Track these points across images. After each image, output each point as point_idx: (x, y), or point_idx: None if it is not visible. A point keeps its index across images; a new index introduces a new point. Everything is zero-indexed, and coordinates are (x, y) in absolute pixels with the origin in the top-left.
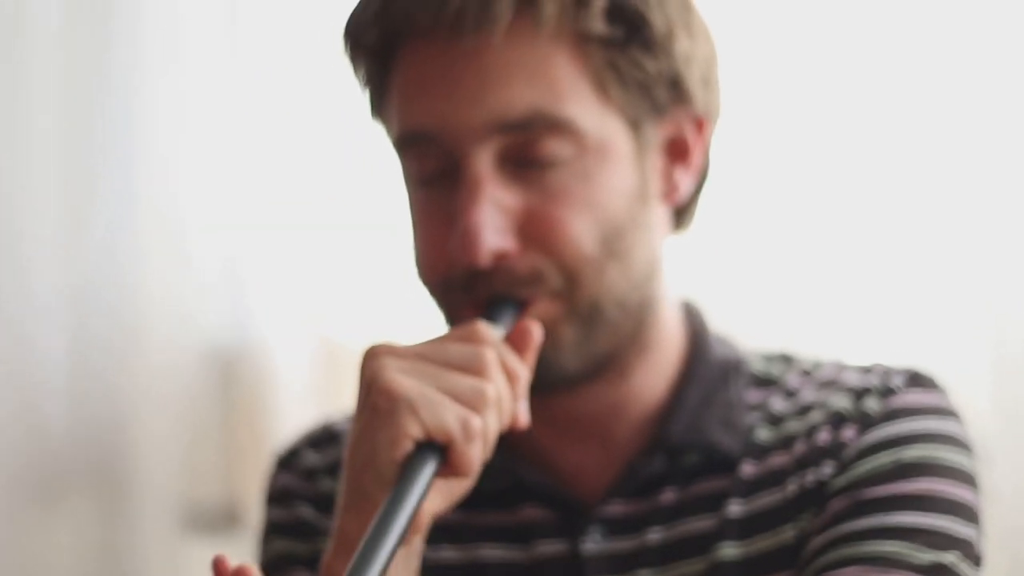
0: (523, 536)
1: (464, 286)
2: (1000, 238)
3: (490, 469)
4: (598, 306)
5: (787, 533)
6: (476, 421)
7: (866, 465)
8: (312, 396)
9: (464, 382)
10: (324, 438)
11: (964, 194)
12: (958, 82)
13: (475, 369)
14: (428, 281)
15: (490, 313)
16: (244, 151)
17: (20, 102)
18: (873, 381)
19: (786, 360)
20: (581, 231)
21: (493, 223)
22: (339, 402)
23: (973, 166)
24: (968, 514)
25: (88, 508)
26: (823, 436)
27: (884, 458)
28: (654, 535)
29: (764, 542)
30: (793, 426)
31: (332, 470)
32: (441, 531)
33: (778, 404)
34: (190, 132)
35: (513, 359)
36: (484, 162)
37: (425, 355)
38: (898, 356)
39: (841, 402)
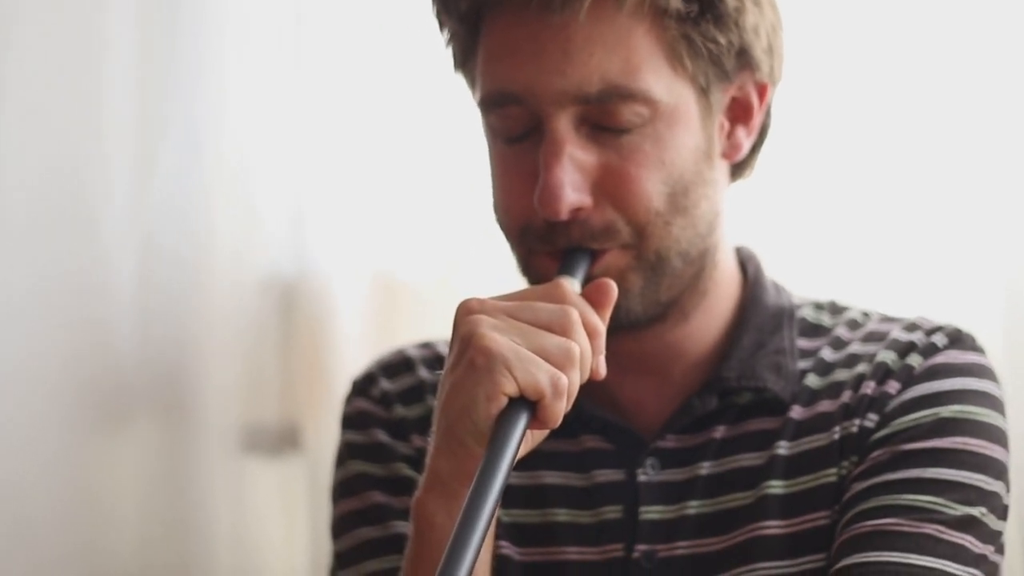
0: (583, 464)
1: (542, 236)
2: (1014, 181)
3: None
4: (664, 257)
5: (829, 475)
6: (564, 379)
7: (906, 419)
8: (368, 326)
9: (553, 341)
10: (398, 366)
11: (979, 137)
12: (982, 39)
13: (562, 328)
14: (507, 227)
15: (565, 262)
16: (305, 92)
17: (92, 50)
18: (917, 338)
19: (836, 310)
20: (651, 189)
21: (572, 181)
22: (394, 331)
23: (984, 110)
24: (998, 470)
25: (152, 429)
26: (868, 388)
27: (923, 414)
28: (704, 468)
29: (807, 481)
30: (841, 375)
31: (405, 397)
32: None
33: (828, 354)
34: (253, 77)
35: (593, 316)
36: (565, 125)
37: (516, 314)
38: (911, 300)
39: (887, 356)
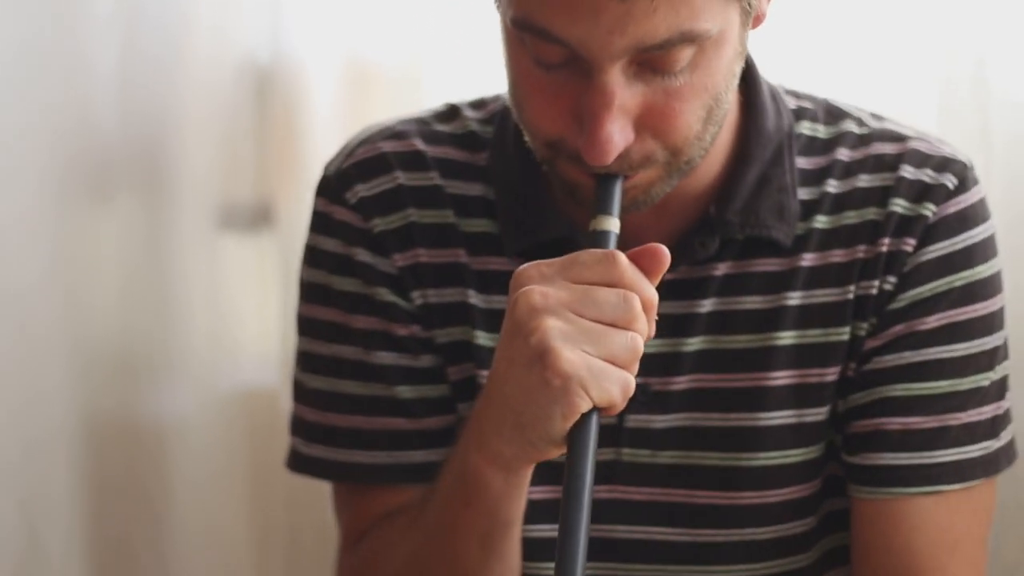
0: None
1: (574, 156)
2: None
3: (548, 222)
4: (691, 162)
5: (841, 333)
6: (632, 383)
7: (923, 289)
8: (341, 110)
9: (620, 341)
10: (373, 166)
11: None
12: None
13: (626, 321)
14: (532, 134)
15: (602, 195)
16: None
17: None
18: (928, 178)
19: (831, 117)
20: (693, 117)
21: (620, 128)
22: (366, 117)
23: None
24: (1001, 319)
25: (132, 205)
26: (884, 244)
27: (938, 284)
28: (707, 305)
29: (818, 336)
30: (851, 217)
31: (382, 204)
32: (502, 278)
33: (834, 185)
34: None
35: (649, 290)
36: (618, 74)
37: (581, 310)
38: (848, 95)
39: (899, 205)
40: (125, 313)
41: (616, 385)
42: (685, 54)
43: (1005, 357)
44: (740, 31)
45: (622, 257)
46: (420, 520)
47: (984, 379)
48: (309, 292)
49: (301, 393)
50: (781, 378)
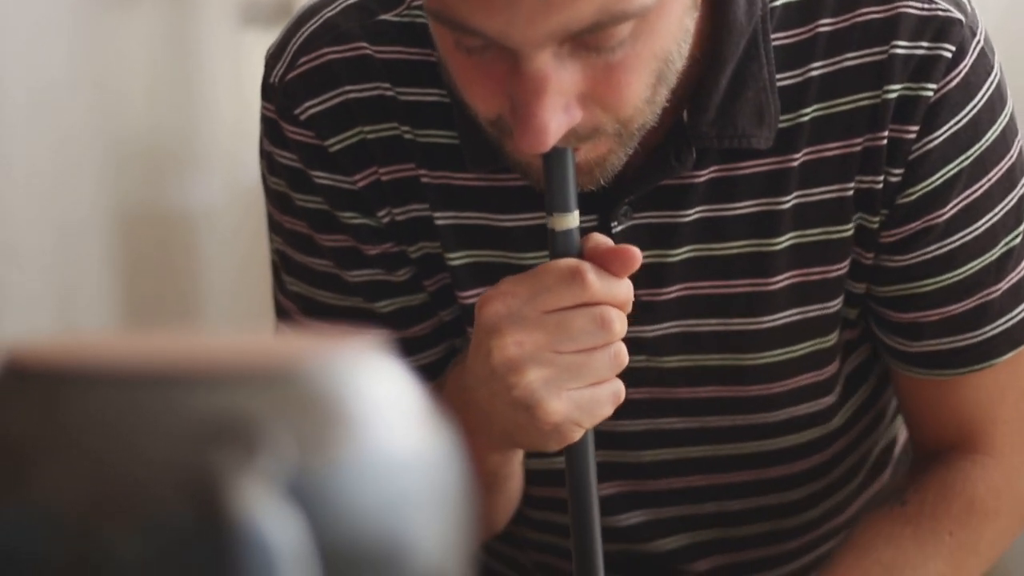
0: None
1: None
2: None
3: (516, 171)
4: (646, 126)
5: (842, 230)
6: (622, 388)
7: (934, 179)
8: None
9: (602, 362)
10: (320, 80)
11: None
12: None
13: (606, 339)
14: (475, 115)
15: (553, 191)
16: None
17: None
18: (923, 52)
19: None
20: (641, 86)
21: (557, 112)
22: None
23: None
24: (1020, 166)
25: (160, 5)
26: (883, 134)
27: (950, 168)
28: (692, 214)
29: (816, 235)
30: (842, 104)
31: (334, 121)
32: (465, 194)
33: (819, 68)
34: None
35: (621, 291)
36: (548, 58)
37: (559, 347)
38: None
39: (895, 90)
40: (152, 107)
41: (607, 404)
42: (622, 29)
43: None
44: None
45: (588, 274)
46: None
47: (1014, 237)
48: (273, 197)
49: (280, 287)
50: (780, 281)
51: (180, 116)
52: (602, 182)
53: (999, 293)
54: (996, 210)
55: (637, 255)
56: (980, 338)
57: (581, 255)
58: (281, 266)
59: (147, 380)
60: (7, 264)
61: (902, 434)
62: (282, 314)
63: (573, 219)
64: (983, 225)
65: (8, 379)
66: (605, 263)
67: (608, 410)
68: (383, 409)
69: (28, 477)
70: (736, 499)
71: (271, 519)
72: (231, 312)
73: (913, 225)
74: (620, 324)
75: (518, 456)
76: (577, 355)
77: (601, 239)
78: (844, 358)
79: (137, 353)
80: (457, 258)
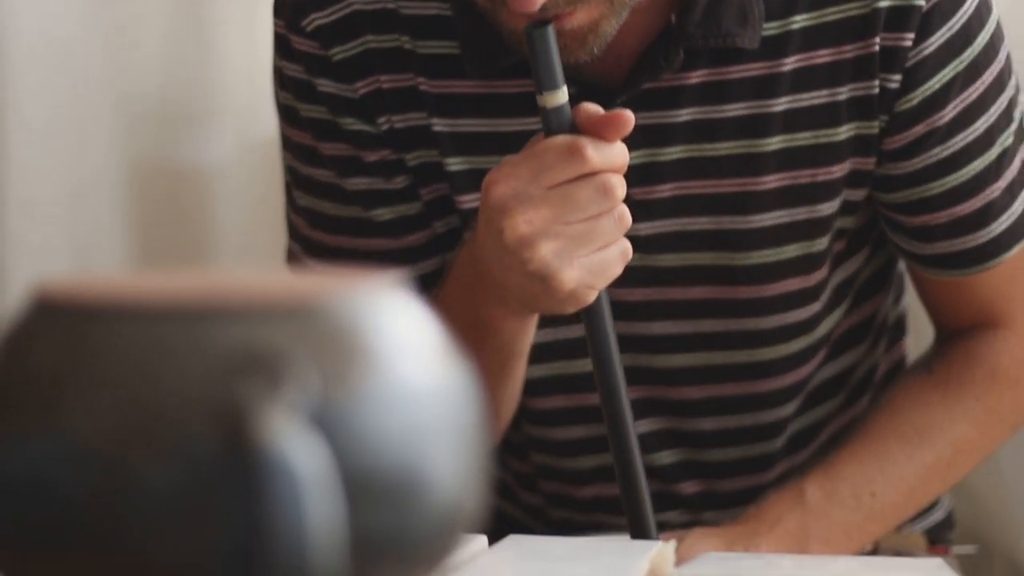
0: None
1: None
2: None
3: (511, 43)
4: None
5: (836, 133)
6: (629, 246)
7: (932, 82)
8: None
9: (608, 226)
10: None
11: None
12: None
13: (610, 206)
14: None
15: (540, 70)
16: None
17: None
18: None
19: None
20: None
21: None
22: None
23: None
24: (1009, 68)
25: None
26: (876, 40)
27: (946, 72)
28: (684, 115)
29: (808, 138)
30: (832, 13)
31: (340, 32)
32: (464, 101)
33: None
34: None
35: (618, 156)
36: None
37: (568, 217)
38: None
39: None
40: (166, 61)
41: (617, 263)
42: None
43: (1018, 100)
44: None
45: (586, 147)
46: None
47: (1007, 137)
48: (282, 112)
49: (291, 202)
50: (771, 181)
51: (193, 69)
52: (595, 51)
53: (999, 192)
54: (991, 111)
55: (629, 117)
56: (987, 237)
57: (574, 128)
58: (292, 183)
59: (175, 315)
60: (22, 218)
61: (883, 363)
62: (293, 233)
63: (563, 95)
64: (980, 126)
65: (38, 315)
66: (599, 131)
67: (618, 269)
68: (402, 344)
69: (59, 409)
70: (727, 415)
71: (296, 447)
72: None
73: (916, 129)
74: (620, 188)
75: (531, 327)
76: (584, 223)
77: (591, 108)
78: (832, 269)
79: (164, 290)
80: (456, 164)
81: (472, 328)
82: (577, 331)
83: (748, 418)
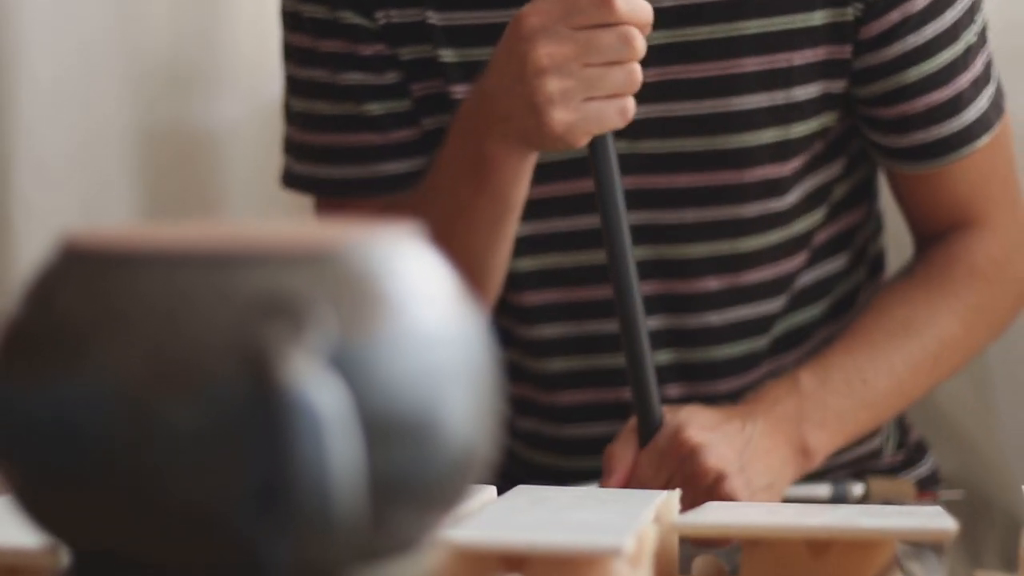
0: None
1: None
2: None
3: None
4: None
5: (809, 18)
6: (631, 106)
7: None
8: None
9: (619, 77)
10: None
11: None
12: None
13: (628, 58)
14: None
15: None
16: None
17: None
18: None
19: None
20: None
21: None
22: None
23: None
24: None
25: None
26: None
27: None
28: (667, 1)
29: (784, 22)
30: None
31: None
32: None
33: None
34: None
35: (644, 14)
36: None
37: (585, 59)
38: None
39: None
40: (176, 24)
41: (615, 116)
42: None
43: (980, 5)
44: None
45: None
46: (423, 212)
47: (971, 34)
48: (284, 19)
49: (288, 114)
50: (749, 65)
51: (203, 28)
52: None
53: (967, 83)
54: (957, 6)
55: None
56: (960, 125)
57: None
58: (289, 92)
59: (199, 262)
60: (31, 178)
61: (865, 289)
62: (287, 146)
63: None
64: (948, 19)
65: (65, 263)
66: None
67: (615, 122)
68: (418, 289)
69: (87, 355)
70: (711, 311)
71: (317, 388)
72: None
73: (891, 16)
74: (640, 42)
75: (527, 173)
76: (599, 68)
77: None
78: (809, 169)
79: (187, 238)
80: (449, 55)
81: (472, 172)
82: (569, 223)
83: (732, 312)
